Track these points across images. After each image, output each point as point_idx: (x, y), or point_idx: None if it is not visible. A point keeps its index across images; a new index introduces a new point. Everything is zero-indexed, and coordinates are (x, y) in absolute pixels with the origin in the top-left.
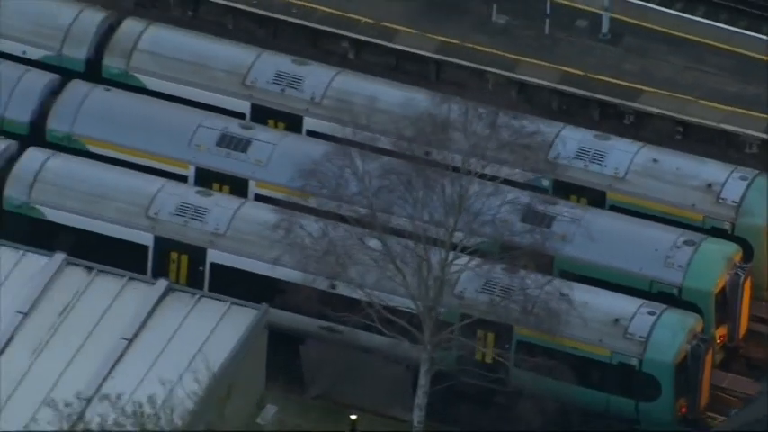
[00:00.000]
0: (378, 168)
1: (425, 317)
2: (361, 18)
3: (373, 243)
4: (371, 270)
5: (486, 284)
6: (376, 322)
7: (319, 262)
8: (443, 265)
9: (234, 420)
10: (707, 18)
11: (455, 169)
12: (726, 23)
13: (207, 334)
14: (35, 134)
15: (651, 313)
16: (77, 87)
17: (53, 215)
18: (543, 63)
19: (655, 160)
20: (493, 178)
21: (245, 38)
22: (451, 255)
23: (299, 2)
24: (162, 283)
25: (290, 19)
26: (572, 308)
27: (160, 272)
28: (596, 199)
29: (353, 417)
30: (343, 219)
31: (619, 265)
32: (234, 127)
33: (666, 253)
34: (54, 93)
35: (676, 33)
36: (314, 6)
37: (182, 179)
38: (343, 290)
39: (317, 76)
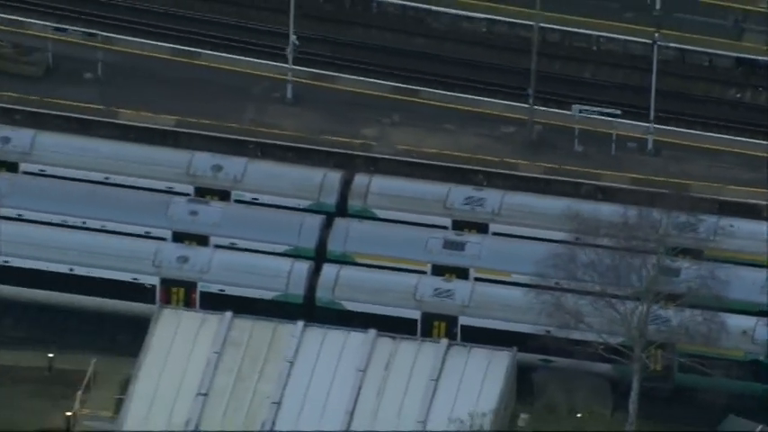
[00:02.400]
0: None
1: (637, 343)
2: (489, 157)
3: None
4: (596, 317)
5: (653, 319)
6: (600, 351)
7: (555, 316)
8: (647, 310)
9: (503, 426)
10: (715, 133)
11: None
12: (726, 135)
13: (485, 369)
14: (319, 255)
15: (766, 325)
16: (341, 222)
17: (351, 306)
18: (615, 173)
19: (731, 225)
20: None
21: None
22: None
23: (451, 152)
24: (444, 342)
25: (443, 164)
26: (723, 327)
27: (425, 335)
28: (697, 255)
29: (579, 415)
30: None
31: (734, 296)
32: (451, 235)
33: (761, 284)
34: (326, 227)
35: (698, 145)
36: (457, 154)
37: (422, 273)
38: (557, 333)
39: (493, 197)
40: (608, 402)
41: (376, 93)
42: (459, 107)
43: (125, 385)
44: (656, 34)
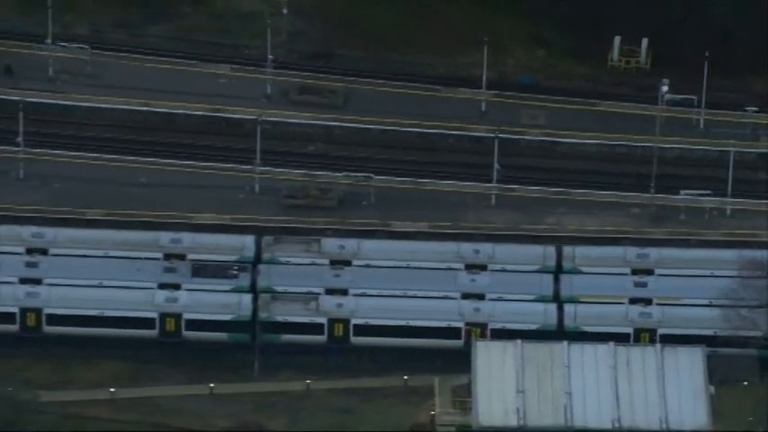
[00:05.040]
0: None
1: None
2: (628, 228)
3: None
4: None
5: None
6: (763, 341)
7: (733, 321)
8: None
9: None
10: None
11: None
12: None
13: (690, 360)
14: (555, 299)
15: None
16: (564, 277)
17: (588, 328)
18: (709, 231)
19: None
20: None
21: None
22: None
23: (602, 227)
24: (658, 345)
25: (600, 236)
26: None
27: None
28: None
29: (745, 383)
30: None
31: None
32: (636, 278)
33: None
34: (555, 281)
35: (756, 209)
36: (607, 228)
37: (623, 304)
38: (721, 333)
39: (654, 252)
40: (758, 374)
41: (544, 195)
42: (597, 199)
43: (456, 392)
44: (732, 141)
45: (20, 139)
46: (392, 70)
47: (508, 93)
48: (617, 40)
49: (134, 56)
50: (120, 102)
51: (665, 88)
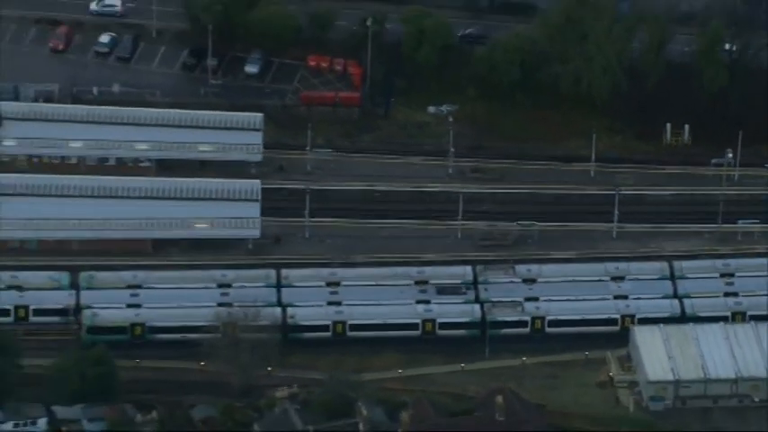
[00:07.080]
0: None
1: None
2: (707, 247)
3: None
4: None
5: None
6: None
7: None
8: None
9: None
10: None
11: None
12: None
13: None
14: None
15: None
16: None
17: (702, 313)
18: (759, 246)
19: None
20: None
21: None
22: None
23: (696, 249)
24: (752, 323)
25: (697, 254)
26: None
27: None
28: None
29: None
30: None
31: None
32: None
33: None
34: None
35: None
36: (695, 249)
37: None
38: None
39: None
40: None
41: (646, 229)
42: (681, 230)
43: (621, 360)
44: None
45: (306, 211)
46: (524, 154)
47: (604, 164)
48: (668, 126)
49: (356, 155)
50: (356, 185)
51: (729, 155)
